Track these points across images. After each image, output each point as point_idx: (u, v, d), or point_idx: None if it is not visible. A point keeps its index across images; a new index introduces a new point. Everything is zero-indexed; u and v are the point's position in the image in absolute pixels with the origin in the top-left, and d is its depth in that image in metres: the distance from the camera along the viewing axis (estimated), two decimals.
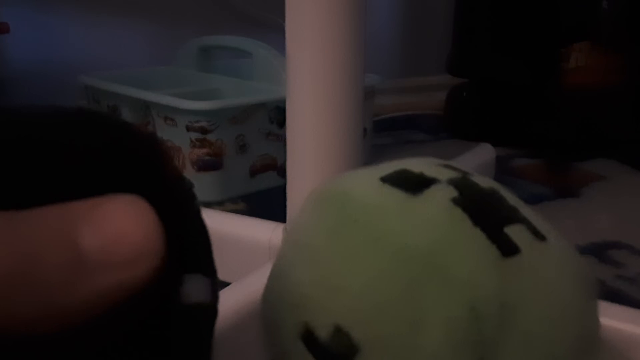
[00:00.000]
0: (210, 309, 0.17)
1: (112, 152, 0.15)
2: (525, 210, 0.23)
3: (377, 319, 0.20)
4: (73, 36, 0.94)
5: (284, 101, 0.42)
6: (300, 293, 0.22)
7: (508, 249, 0.21)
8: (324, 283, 0.21)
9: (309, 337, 0.21)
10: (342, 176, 0.25)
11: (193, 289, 0.16)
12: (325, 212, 0.23)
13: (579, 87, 0.88)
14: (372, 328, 0.20)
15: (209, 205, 0.70)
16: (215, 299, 0.17)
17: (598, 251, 0.59)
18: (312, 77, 0.40)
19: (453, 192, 0.22)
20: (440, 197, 0.22)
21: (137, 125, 0.16)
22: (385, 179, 0.23)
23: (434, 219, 0.21)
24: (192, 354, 0.16)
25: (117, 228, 0.13)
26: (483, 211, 0.22)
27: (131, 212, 0.13)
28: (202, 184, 0.71)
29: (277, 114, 0.73)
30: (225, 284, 0.38)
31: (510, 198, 0.24)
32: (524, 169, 0.86)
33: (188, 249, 0.16)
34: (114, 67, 0.91)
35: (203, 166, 0.70)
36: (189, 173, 0.71)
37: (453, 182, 0.23)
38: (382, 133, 1.01)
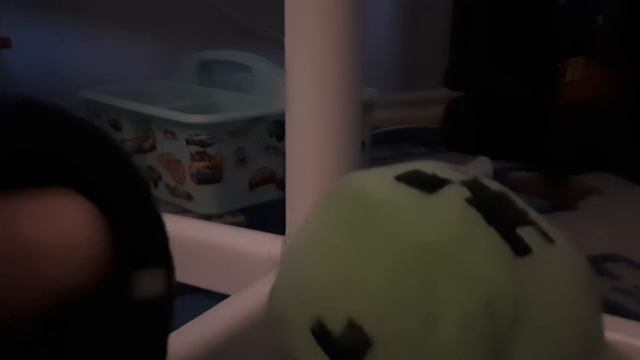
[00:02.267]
0: (162, 300, 0.17)
1: (56, 141, 0.15)
2: (533, 214, 0.24)
3: (392, 313, 0.20)
4: (74, 51, 0.94)
5: (283, 115, 0.42)
6: (313, 287, 0.22)
7: (521, 248, 0.22)
8: (338, 277, 0.21)
9: (320, 331, 0.21)
10: (356, 174, 0.25)
11: (145, 284, 0.16)
12: (341, 208, 0.23)
13: (575, 100, 0.89)
14: (386, 322, 0.20)
15: (208, 217, 0.70)
16: (169, 288, 0.17)
17: (595, 264, 0.59)
18: (311, 91, 0.40)
19: (466, 193, 0.23)
20: (454, 196, 0.23)
21: (83, 118, 0.16)
22: (399, 178, 0.24)
23: (450, 217, 0.22)
24: (145, 346, 0.16)
25: (62, 224, 0.13)
26: (496, 212, 0.22)
27: (75, 210, 0.13)
28: (202, 197, 0.71)
29: (276, 127, 0.74)
30: (225, 296, 0.38)
31: (519, 202, 0.24)
32: (521, 182, 0.86)
33: (140, 242, 0.16)
34: (115, 81, 0.92)
35: (203, 179, 0.70)
36: (189, 186, 0.71)
37: (465, 184, 0.23)
38: (380, 146, 1.02)
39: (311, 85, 0.40)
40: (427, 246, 0.21)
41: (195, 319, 0.34)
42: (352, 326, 0.20)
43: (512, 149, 0.94)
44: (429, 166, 0.25)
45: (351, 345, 0.20)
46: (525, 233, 0.22)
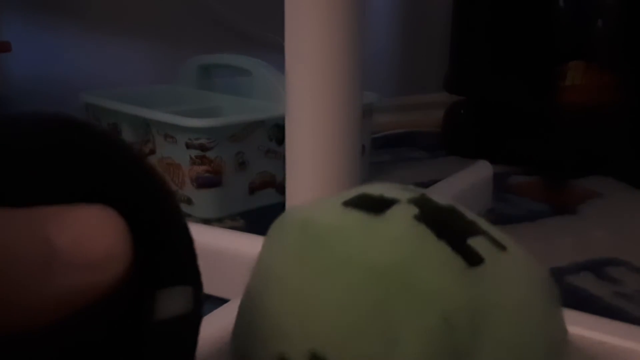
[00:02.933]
0: (190, 318, 0.17)
1: (87, 160, 0.15)
2: (483, 224, 0.24)
3: (352, 340, 0.20)
4: (74, 55, 0.94)
5: (283, 119, 0.42)
6: (271, 324, 0.22)
7: (473, 259, 0.22)
8: (294, 310, 0.21)
9: None
10: (304, 204, 0.25)
11: (170, 302, 0.16)
12: (288, 238, 0.23)
13: (574, 105, 0.89)
14: (348, 350, 0.20)
15: (208, 222, 0.70)
16: (197, 305, 0.17)
17: (596, 268, 0.59)
18: (311, 95, 0.40)
19: (414, 210, 0.23)
20: (402, 215, 0.22)
21: (113, 133, 0.17)
22: (346, 204, 0.23)
23: (399, 235, 0.22)
24: None
25: (87, 231, 0.13)
26: (445, 225, 0.22)
27: (100, 218, 0.14)
28: (202, 201, 0.71)
29: (276, 131, 0.74)
30: (224, 300, 0.38)
31: (468, 213, 0.24)
32: (522, 186, 0.86)
33: (167, 260, 0.16)
34: (115, 85, 0.92)
35: (202, 183, 0.70)
36: (189, 190, 0.71)
37: (413, 201, 0.23)
38: (380, 150, 1.02)
39: (311, 89, 0.40)
40: (379, 268, 0.21)
41: None
42: (316, 358, 0.20)
43: (512, 153, 0.94)
44: (376, 188, 0.25)
45: None
46: (476, 243, 0.22)
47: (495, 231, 0.24)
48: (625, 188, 0.84)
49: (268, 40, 1.00)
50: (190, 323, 0.17)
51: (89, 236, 0.13)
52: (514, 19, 0.93)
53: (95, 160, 0.15)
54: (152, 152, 0.74)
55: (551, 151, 0.91)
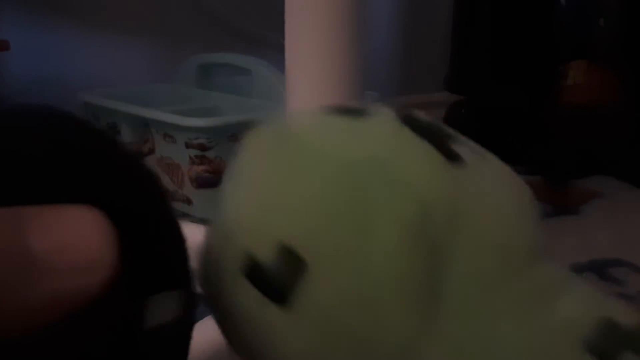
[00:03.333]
0: (180, 324, 0.16)
1: (73, 158, 0.14)
2: (465, 139, 0.24)
3: (323, 230, 0.19)
4: (73, 54, 0.94)
5: None
6: (237, 219, 0.20)
7: (454, 157, 0.21)
8: (261, 204, 0.20)
9: (251, 266, 0.19)
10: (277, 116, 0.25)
11: (160, 310, 0.15)
12: (261, 139, 0.22)
13: (576, 104, 0.89)
14: (318, 240, 0.19)
15: (207, 222, 0.70)
16: (189, 310, 0.16)
17: (598, 269, 0.59)
18: (311, 95, 0.40)
19: (396, 116, 0.23)
20: (383, 117, 0.22)
21: (105, 130, 0.16)
22: (326, 109, 0.23)
23: (378, 132, 0.21)
24: None
25: (70, 234, 0.13)
26: (427, 130, 0.22)
27: (85, 220, 0.13)
28: (201, 201, 0.71)
29: None
30: None
31: (451, 130, 0.24)
32: None
33: (157, 264, 0.15)
34: (114, 84, 0.91)
35: (202, 183, 0.70)
36: (188, 190, 0.71)
37: (395, 110, 0.23)
38: None
39: (311, 89, 0.40)
40: (355, 160, 0.20)
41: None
42: (284, 250, 0.19)
43: (514, 153, 0.94)
44: (357, 103, 0.24)
45: (285, 272, 0.19)
46: (458, 147, 0.22)
47: (476, 145, 0.24)
48: (628, 188, 0.84)
49: (268, 40, 1.00)
50: (181, 329, 0.16)
51: (73, 240, 0.13)
52: (515, 17, 0.93)
53: (82, 158, 0.14)
54: (151, 151, 0.74)
55: (553, 151, 0.91)
